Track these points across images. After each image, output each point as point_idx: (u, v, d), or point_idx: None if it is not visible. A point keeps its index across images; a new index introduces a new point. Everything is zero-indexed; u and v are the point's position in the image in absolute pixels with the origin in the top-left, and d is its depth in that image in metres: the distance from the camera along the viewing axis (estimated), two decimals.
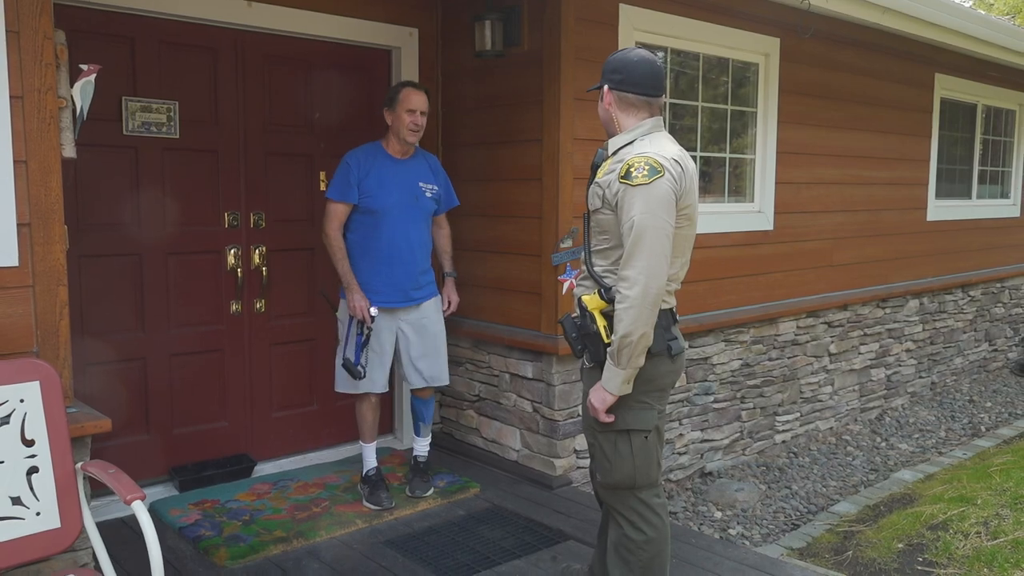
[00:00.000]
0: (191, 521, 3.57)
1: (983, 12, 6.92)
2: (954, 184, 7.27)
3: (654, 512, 2.58)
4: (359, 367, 3.64)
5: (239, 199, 4.10)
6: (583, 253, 2.58)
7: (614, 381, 2.40)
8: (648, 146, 2.45)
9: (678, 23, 4.50)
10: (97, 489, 2.99)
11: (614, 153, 2.54)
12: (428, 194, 3.80)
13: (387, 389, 3.89)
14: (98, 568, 2.39)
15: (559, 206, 4.02)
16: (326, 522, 3.59)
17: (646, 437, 2.53)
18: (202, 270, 4.03)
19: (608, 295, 2.42)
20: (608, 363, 2.40)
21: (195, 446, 4.05)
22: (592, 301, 2.45)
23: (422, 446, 4.05)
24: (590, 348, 2.50)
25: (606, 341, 2.43)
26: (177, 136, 3.86)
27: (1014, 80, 7.56)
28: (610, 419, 2.48)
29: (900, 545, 3.74)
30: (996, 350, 8.01)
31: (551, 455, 4.13)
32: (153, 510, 3.67)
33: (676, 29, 4.51)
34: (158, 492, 3.87)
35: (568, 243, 4.06)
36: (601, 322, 2.45)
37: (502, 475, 4.24)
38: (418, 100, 3.69)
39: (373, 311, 3.64)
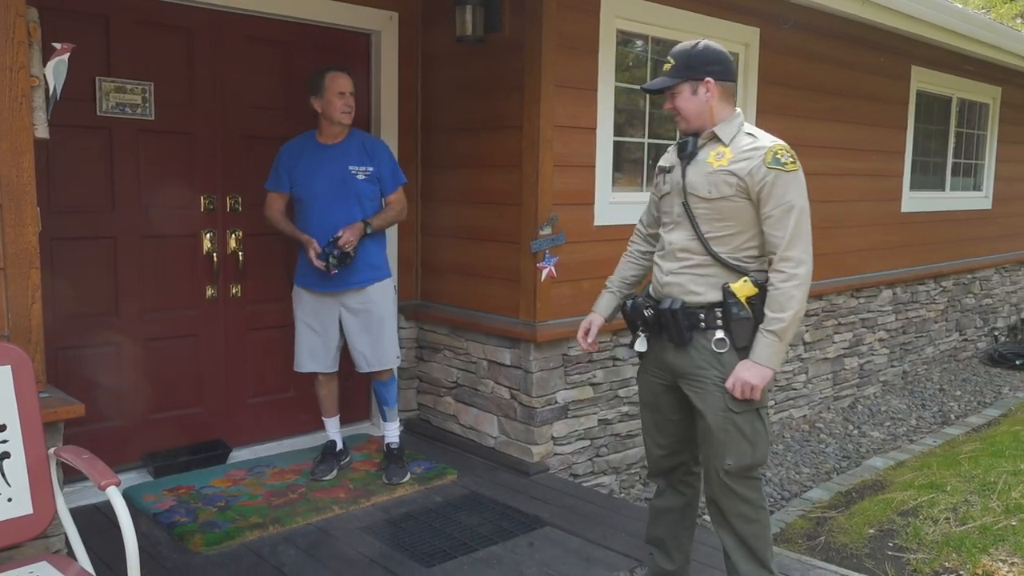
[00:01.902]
0: (166, 507, 3.54)
1: (960, 6, 6.98)
2: (928, 176, 7.35)
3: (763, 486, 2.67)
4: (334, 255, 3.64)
5: (216, 182, 4.05)
6: (696, 242, 2.55)
7: (778, 356, 2.48)
8: (761, 132, 2.58)
9: (659, 11, 4.49)
10: (70, 475, 2.96)
11: (730, 142, 2.56)
12: (360, 176, 3.73)
13: (333, 369, 3.93)
14: (71, 554, 2.36)
15: (538, 193, 4.01)
16: (303, 508, 3.58)
17: (767, 412, 2.63)
18: (177, 254, 3.98)
19: (757, 280, 2.49)
20: (771, 341, 2.44)
21: (170, 432, 4.01)
22: (743, 288, 2.48)
23: (391, 432, 4.04)
24: (736, 333, 2.48)
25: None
26: (152, 118, 3.80)
27: (988, 74, 7.64)
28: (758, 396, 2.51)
29: (871, 531, 3.80)
30: (966, 340, 8.13)
31: (528, 442, 4.14)
32: (126, 496, 3.57)
33: (657, 17, 4.50)
34: (132, 478, 3.83)
35: (547, 230, 4.06)
36: (748, 307, 2.50)
37: (479, 462, 4.25)
38: (346, 82, 3.70)
39: (316, 247, 3.65)
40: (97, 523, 3.33)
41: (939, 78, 7.06)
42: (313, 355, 3.86)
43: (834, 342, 6.18)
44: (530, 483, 3.99)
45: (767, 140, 2.54)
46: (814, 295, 5.84)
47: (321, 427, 4.27)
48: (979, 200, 8.14)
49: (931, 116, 7.25)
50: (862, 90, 6.13)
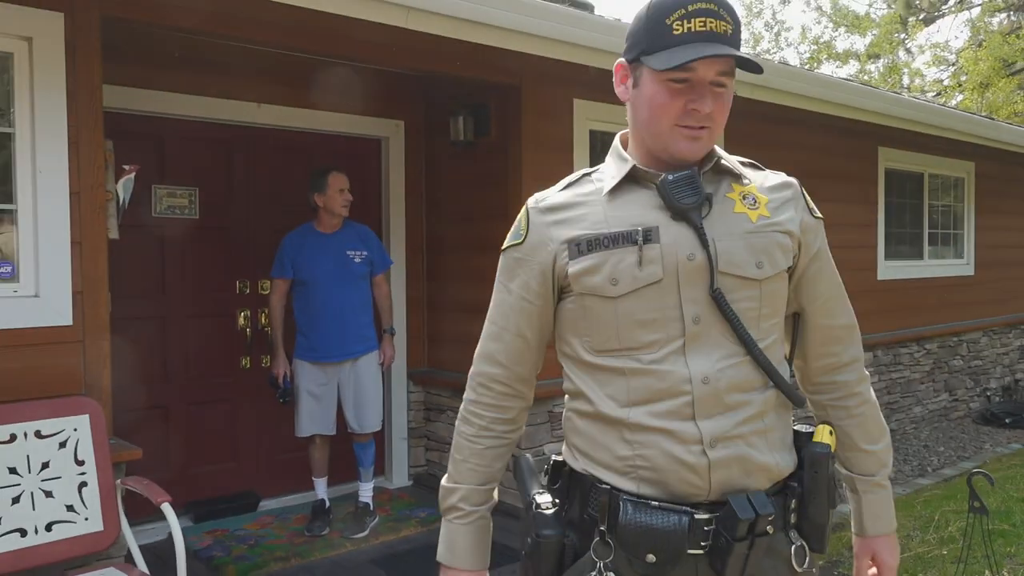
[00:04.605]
0: (204, 545, 4.16)
1: (907, 96, 7.63)
2: (905, 246, 7.90)
3: None
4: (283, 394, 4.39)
5: (249, 269, 4.78)
6: (751, 365, 1.41)
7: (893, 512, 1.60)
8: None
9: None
10: (140, 516, 3.56)
11: (743, 172, 1.53)
12: (357, 259, 4.38)
13: (331, 432, 4.45)
14: (131, 562, 2.99)
15: None
16: (320, 545, 4.18)
17: None
18: (216, 330, 4.69)
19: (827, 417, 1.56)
20: (885, 493, 1.68)
21: (209, 483, 4.65)
22: (823, 431, 1.48)
23: (363, 491, 4.52)
24: (819, 521, 1.46)
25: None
26: (197, 217, 4.57)
27: (959, 150, 8.24)
28: None
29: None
30: (957, 400, 8.52)
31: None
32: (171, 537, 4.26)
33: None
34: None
35: None
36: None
37: None
38: (344, 180, 4.36)
39: (286, 378, 4.37)
40: (159, 552, 3.94)
41: (907, 156, 7.68)
42: (312, 419, 4.38)
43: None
44: (519, 526, 4.52)
45: (771, 170, 1.60)
46: None
47: (340, 481, 4.87)
48: (960, 267, 8.64)
49: (904, 190, 7.85)
50: (828, 170, 6.77)
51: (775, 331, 1.48)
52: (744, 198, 1.49)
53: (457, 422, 1.61)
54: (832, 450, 1.46)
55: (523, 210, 1.55)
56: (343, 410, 4.45)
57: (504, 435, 1.57)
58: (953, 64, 19.73)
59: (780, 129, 6.27)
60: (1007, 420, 8.29)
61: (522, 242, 1.52)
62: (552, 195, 1.55)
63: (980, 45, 17.85)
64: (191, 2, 3.36)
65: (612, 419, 1.42)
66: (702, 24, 1.37)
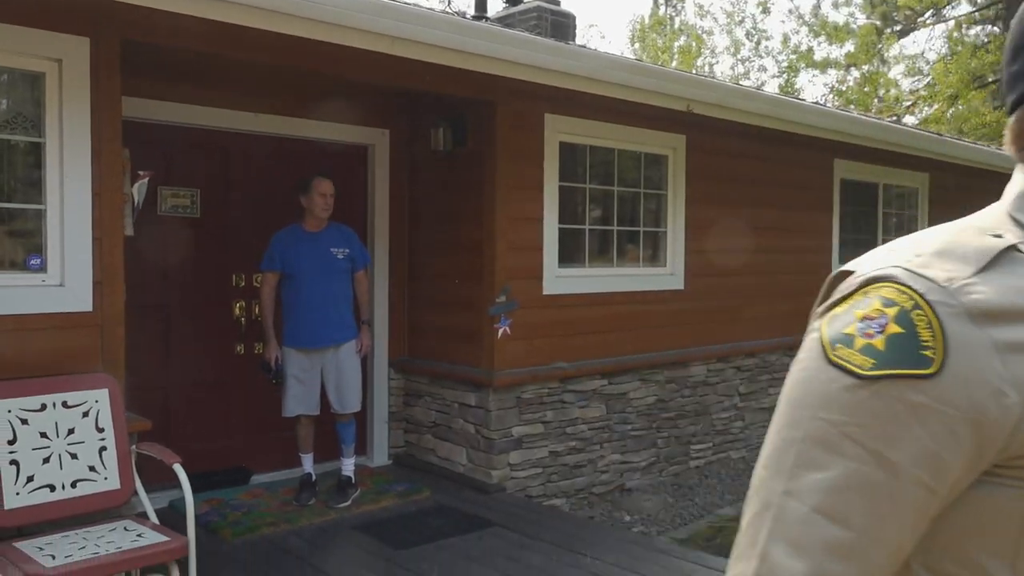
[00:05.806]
0: (202, 512, 4.60)
1: (860, 116, 8.12)
2: (860, 250, 8.32)
3: None
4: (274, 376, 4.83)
5: (245, 263, 5.23)
6: None
7: None
8: None
9: (595, 126, 5.69)
10: (153, 482, 4.02)
11: None
12: (340, 256, 4.83)
13: (315, 412, 4.87)
14: (144, 516, 3.44)
15: (495, 270, 5.15)
16: (307, 513, 4.63)
17: None
18: (214, 319, 5.14)
19: None
20: None
21: (206, 458, 5.08)
22: None
23: (346, 466, 4.99)
24: None
25: None
26: (198, 215, 5.02)
27: (913, 163, 8.76)
28: None
29: None
30: None
31: (489, 467, 5.17)
32: (173, 505, 4.70)
33: (594, 131, 5.70)
34: (176, 493, 4.86)
35: (502, 298, 5.18)
36: None
37: (450, 484, 5.28)
38: (327, 186, 4.78)
39: (277, 362, 4.79)
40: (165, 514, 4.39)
41: (863, 168, 8.19)
42: (298, 400, 4.83)
43: (769, 394, 7.17)
44: (488, 499, 5.01)
45: None
46: (747, 353, 6.88)
47: (327, 458, 5.32)
48: None
49: (860, 199, 8.37)
50: (786, 180, 7.26)
51: None
52: None
53: None
54: None
55: (917, 303, 0.74)
56: (326, 392, 4.90)
57: None
58: (928, 76, 20.34)
59: (740, 141, 6.76)
60: None
61: (936, 372, 0.73)
62: (977, 284, 0.75)
63: (953, 57, 18.44)
64: (199, 27, 3.79)
65: None
66: None
